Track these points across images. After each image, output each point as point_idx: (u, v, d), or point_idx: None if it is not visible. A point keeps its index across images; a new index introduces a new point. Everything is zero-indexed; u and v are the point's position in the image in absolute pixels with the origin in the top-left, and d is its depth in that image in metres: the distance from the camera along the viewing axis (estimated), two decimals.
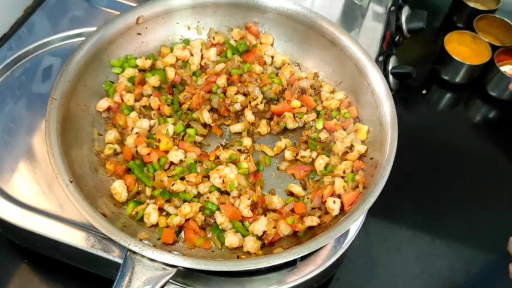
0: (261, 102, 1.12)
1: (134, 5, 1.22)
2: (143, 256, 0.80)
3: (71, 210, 0.92)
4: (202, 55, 1.21)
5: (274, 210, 0.99)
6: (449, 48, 1.52)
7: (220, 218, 0.95)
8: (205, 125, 1.11)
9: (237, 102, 1.11)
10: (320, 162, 1.05)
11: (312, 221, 0.95)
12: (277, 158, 1.10)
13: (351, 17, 1.36)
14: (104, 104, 1.08)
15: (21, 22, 1.29)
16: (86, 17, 1.30)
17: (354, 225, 0.94)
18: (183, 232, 0.95)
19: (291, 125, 1.11)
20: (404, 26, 1.46)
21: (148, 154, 1.01)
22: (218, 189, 0.99)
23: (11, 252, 1.05)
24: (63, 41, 1.23)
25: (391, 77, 1.36)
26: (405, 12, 1.46)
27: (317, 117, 1.12)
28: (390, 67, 1.37)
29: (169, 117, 1.10)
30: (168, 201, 0.98)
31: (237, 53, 1.22)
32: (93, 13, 1.31)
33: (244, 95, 1.12)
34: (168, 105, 1.11)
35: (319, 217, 0.97)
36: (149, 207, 0.95)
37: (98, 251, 0.92)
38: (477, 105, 1.56)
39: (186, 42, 1.22)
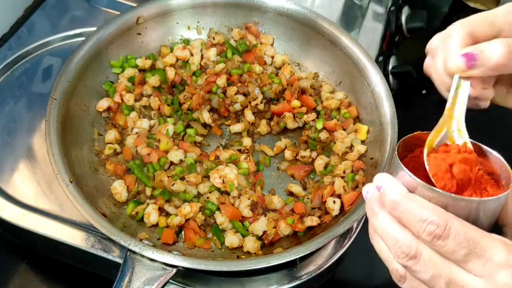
0: (261, 102, 1.11)
1: (134, 5, 1.23)
2: (143, 256, 0.80)
3: (71, 210, 0.92)
4: (202, 55, 1.21)
5: (274, 210, 0.99)
6: None
7: (220, 218, 0.95)
8: (205, 125, 1.11)
9: (237, 102, 1.11)
10: (320, 162, 1.05)
11: (312, 221, 0.95)
12: (277, 158, 1.10)
13: (351, 17, 1.36)
14: (104, 104, 1.08)
15: (21, 22, 1.29)
16: (86, 17, 1.30)
17: (353, 225, 0.94)
18: (183, 232, 0.95)
19: (291, 125, 1.11)
20: (404, 26, 1.46)
21: (148, 154, 1.01)
22: (218, 189, 0.99)
23: (11, 252, 1.05)
24: (63, 41, 1.23)
25: (391, 77, 1.36)
26: (405, 12, 1.46)
27: (317, 117, 1.12)
28: (390, 67, 1.37)
29: (169, 117, 1.10)
30: (168, 201, 0.97)
31: (237, 53, 1.22)
32: (93, 13, 1.31)
33: (244, 95, 1.12)
34: (168, 105, 1.11)
35: (319, 217, 0.97)
36: (149, 207, 0.95)
37: (98, 251, 0.92)
38: None
39: (186, 42, 1.22)
